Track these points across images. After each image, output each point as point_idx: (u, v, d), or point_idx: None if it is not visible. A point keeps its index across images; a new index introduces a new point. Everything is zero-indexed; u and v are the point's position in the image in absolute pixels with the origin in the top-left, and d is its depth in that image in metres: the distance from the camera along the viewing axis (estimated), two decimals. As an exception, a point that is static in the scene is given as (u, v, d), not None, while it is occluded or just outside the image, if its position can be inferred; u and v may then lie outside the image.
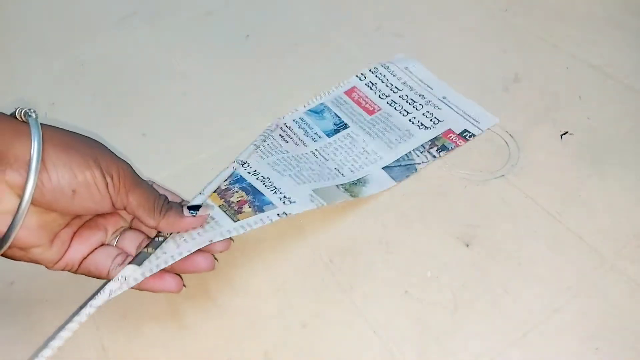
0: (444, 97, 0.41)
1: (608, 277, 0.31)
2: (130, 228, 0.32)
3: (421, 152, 0.37)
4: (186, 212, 0.30)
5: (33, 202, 0.26)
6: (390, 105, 0.41)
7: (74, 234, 0.29)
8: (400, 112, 0.40)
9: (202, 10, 0.56)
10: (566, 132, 0.39)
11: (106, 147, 0.29)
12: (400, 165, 0.36)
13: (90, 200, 0.27)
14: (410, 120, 0.40)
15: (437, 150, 0.38)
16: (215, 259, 0.31)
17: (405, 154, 0.38)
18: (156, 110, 0.45)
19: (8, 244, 0.26)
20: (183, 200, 0.33)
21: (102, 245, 0.30)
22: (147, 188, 0.30)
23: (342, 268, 0.33)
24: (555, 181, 0.36)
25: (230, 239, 0.31)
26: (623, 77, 0.43)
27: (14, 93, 0.49)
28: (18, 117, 0.27)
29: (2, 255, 0.27)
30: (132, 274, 0.28)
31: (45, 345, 0.27)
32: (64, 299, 0.33)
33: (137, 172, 0.30)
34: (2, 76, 0.50)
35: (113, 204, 0.28)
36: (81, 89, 0.48)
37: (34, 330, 0.31)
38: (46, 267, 0.29)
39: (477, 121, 0.39)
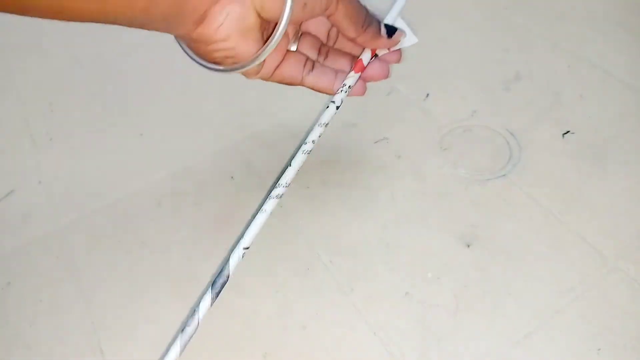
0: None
1: (610, 278, 0.31)
2: (305, 33, 0.32)
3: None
4: (383, 31, 0.30)
5: (262, 10, 0.25)
6: None
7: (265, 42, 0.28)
8: None
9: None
10: (568, 132, 0.39)
11: None
12: None
13: (311, 12, 0.26)
14: None
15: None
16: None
17: None
18: (154, 110, 0.45)
19: (252, 65, 0.27)
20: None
21: (288, 52, 0.30)
22: None
23: (342, 269, 0.33)
24: (557, 181, 0.36)
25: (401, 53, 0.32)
26: (624, 76, 0.42)
27: (11, 92, 0.48)
28: None
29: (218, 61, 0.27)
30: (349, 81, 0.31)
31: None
32: (59, 300, 0.33)
33: None
34: (0, 75, 0.50)
35: (324, 12, 0.27)
36: (79, 89, 0.48)
37: (30, 330, 0.31)
38: (246, 77, 0.29)
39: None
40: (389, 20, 0.33)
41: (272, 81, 0.30)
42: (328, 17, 0.28)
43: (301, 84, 0.30)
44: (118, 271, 0.34)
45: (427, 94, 0.43)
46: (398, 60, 0.33)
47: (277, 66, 0.30)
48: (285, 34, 0.30)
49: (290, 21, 0.26)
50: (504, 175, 0.37)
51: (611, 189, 0.35)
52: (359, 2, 0.29)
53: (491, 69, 0.45)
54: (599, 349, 0.28)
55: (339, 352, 0.29)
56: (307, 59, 0.31)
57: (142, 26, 0.24)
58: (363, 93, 0.32)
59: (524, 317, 0.29)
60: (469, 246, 0.33)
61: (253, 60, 0.26)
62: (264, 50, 0.26)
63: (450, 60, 0.46)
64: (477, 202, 0.35)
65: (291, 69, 0.30)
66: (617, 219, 0.33)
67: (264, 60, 0.28)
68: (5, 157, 0.43)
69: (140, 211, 0.37)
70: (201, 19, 0.25)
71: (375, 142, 0.40)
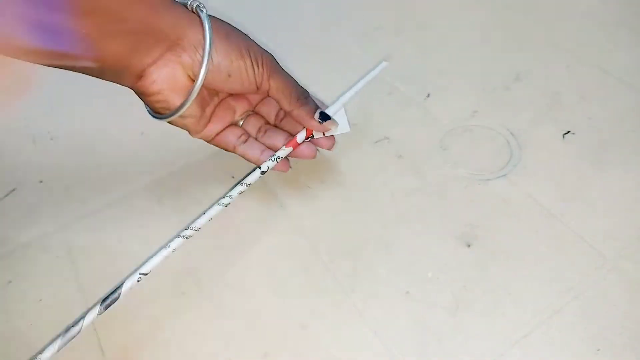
0: None
1: (609, 278, 0.31)
2: (255, 113, 0.38)
3: None
4: (316, 116, 0.34)
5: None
6: None
7: (213, 112, 0.35)
8: None
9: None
10: (568, 132, 0.39)
11: (253, 40, 0.34)
12: None
13: (239, 83, 0.33)
14: None
15: None
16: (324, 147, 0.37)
17: None
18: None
19: (180, 113, 0.32)
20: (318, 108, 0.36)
21: (231, 125, 0.36)
22: (287, 77, 0.34)
23: (343, 269, 0.33)
24: (557, 181, 0.36)
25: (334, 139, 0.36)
26: (624, 76, 0.42)
27: (11, 91, 0.48)
28: (189, 7, 0.32)
29: (168, 120, 0.33)
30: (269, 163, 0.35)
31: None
32: (60, 298, 0.33)
33: (280, 65, 0.35)
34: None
35: (257, 87, 0.33)
36: (80, 87, 0.48)
37: (31, 329, 0.31)
38: (190, 134, 0.35)
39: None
40: (330, 110, 0.36)
41: (211, 144, 0.36)
42: (266, 93, 0.34)
43: (234, 151, 0.36)
44: (119, 270, 0.34)
45: (428, 94, 0.43)
46: (330, 147, 0.36)
47: (218, 133, 0.35)
48: (232, 110, 0.36)
49: (218, 89, 0.33)
50: (504, 175, 0.37)
51: (611, 189, 0.35)
52: (293, 80, 0.35)
53: (491, 69, 0.45)
54: (598, 349, 0.28)
55: (339, 352, 0.29)
56: (244, 133, 0.36)
57: (98, 76, 0.31)
58: (286, 169, 0.37)
59: (523, 317, 0.29)
60: (469, 246, 0.33)
61: (175, 112, 0.32)
62: (183, 105, 0.32)
63: (450, 60, 0.46)
64: (477, 201, 0.35)
65: (228, 138, 0.36)
66: (617, 219, 0.33)
67: (208, 124, 0.35)
68: (7, 155, 0.43)
69: (141, 210, 0.37)
70: (140, 75, 0.31)
71: (376, 142, 0.40)
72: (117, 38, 0.29)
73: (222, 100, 0.36)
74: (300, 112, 0.34)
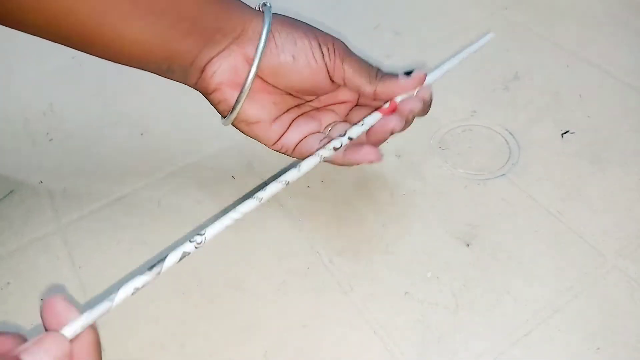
0: None
1: (609, 277, 0.31)
2: (342, 121, 0.34)
3: None
4: (401, 75, 0.32)
5: (260, 71, 0.31)
6: None
7: (293, 121, 0.33)
8: None
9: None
10: (567, 131, 0.39)
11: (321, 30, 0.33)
12: None
13: (307, 67, 0.31)
14: None
15: None
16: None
17: None
18: (155, 110, 0.45)
19: (236, 111, 0.31)
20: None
21: (313, 132, 0.34)
22: (360, 58, 0.32)
23: (342, 268, 0.33)
24: (556, 180, 0.36)
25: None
26: (623, 75, 0.43)
27: (11, 92, 0.48)
28: (256, 8, 0.32)
29: (233, 124, 0.33)
30: (323, 152, 0.30)
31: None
32: (61, 300, 0.33)
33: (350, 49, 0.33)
34: (0, 75, 0.50)
35: (330, 76, 0.31)
36: (79, 88, 0.48)
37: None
38: (266, 145, 0.33)
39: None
40: (430, 77, 0.33)
41: (293, 156, 0.34)
42: (342, 79, 0.32)
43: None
44: (119, 271, 0.34)
45: (427, 94, 0.43)
46: (425, 105, 0.32)
47: (298, 142, 0.33)
48: (317, 121, 0.34)
49: (285, 81, 0.31)
50: (503, 174, 0.37)
51: (610, 188, 0.35)
52: (366, 61, 0.32)
53: (491, 68, 0.45)
54: (598, 348, 0.28)
55: (339, 351, 0.29)
56: (326, 137, 0.33)
57: (164, 75, 0.32)
58: (378, 158, 0.32)
59: (523, 316, 0.30)
60: (468, 245, 0.33)
61: (234, 106, 0.32)
62: (241, 94, 0.31)
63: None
64: (477, 201, 0.35)
65: (309, 144, 0.33)
66: (616, 218, 0.33)
67: (285, 133, 0.33)
68: (6, 157, 0.43)
69: (141, 211, 0.37)
70: (202, 69, 0.31)
71: (375, 142, 0.40)
72: (189, 37, 0.30)
73: (304, 113, 0.34)
74: (384, 85, 0.32)
